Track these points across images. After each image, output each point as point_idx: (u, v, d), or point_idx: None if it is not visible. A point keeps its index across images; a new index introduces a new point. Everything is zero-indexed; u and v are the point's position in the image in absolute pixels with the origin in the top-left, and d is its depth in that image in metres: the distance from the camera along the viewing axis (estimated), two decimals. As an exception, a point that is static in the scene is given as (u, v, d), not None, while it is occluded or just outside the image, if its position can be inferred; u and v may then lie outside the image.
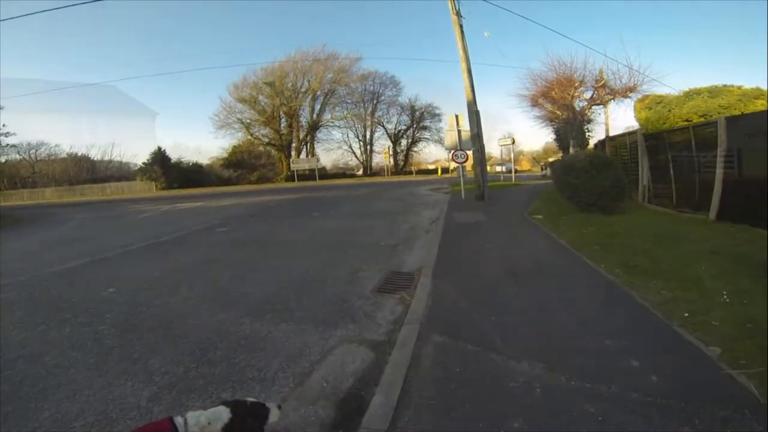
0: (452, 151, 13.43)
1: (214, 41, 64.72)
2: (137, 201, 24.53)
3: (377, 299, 4.19)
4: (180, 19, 66.95)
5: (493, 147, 35.91)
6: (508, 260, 5.35)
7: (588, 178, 7.63)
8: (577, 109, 11.71)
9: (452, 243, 6.70)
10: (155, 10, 66.16)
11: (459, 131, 13.37)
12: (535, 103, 12.64)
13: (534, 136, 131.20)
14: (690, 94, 16.60)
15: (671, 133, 8.45)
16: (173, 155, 47.37)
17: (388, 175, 48.17)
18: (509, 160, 27.60)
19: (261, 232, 9.24)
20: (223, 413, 1.59)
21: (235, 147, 49.14)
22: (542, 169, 32.57)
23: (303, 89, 49.42)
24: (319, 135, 54.38)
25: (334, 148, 55.49)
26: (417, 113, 55.97)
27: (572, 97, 11.66)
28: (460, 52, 12.66)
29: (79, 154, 48.82)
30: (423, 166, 56.53)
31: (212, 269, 5.77)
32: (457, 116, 13.47)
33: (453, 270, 5.06)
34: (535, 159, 65.76)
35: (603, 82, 10.91)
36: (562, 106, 11.79)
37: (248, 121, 48.89)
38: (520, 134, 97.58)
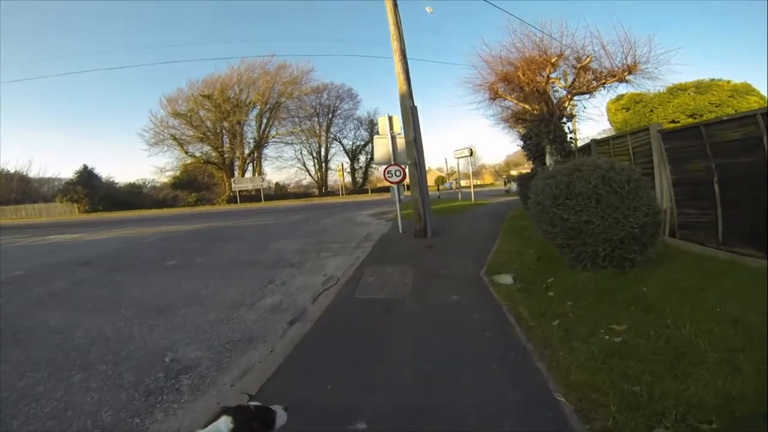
0: (384, 167, 9.56)
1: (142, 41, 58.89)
2: (18, 229, 18.83)
3: None
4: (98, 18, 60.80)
5: (453, 161, 32.78)
6: None
7: (603, 210, 3.89)
8: (554, 100, 8.28)
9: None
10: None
11: (393, 137, 9.56)
12: (494, 94, 9.01)
13: (496, 148, 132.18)
14: (674, 91, 13.87)
15: (718, 126, 4.96)
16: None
17: (342, 194, 44.12)
18: (468, 175, 24.47)
19: (32, 303, 4.80)
20: (223, 426, 1.35)
21: (186, 166, 44.19)
22: (505, 184, 29.60)
23: (248, 102, 44.87)
24: (269, 152, 49.82)
25: (287, 166, 50.99)
26: (377, 127, 52.50)
27: (547, 80, 8.23)
28: (392, 28, 8.94)
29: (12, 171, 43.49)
30: (385, 183, 53.07)
31: None
32: (391, 118, 9.67)
33: None
34: (497, 172, 64.17)
35: (589, 59, 7.54)
36: (532, 95, 8.28)
37: (184, 137, 43.49)
38: (482, 146, 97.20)
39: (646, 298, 3.62)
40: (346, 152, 52.42)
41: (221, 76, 43.88)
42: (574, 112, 8.51)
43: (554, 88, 8.29)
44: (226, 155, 44.73)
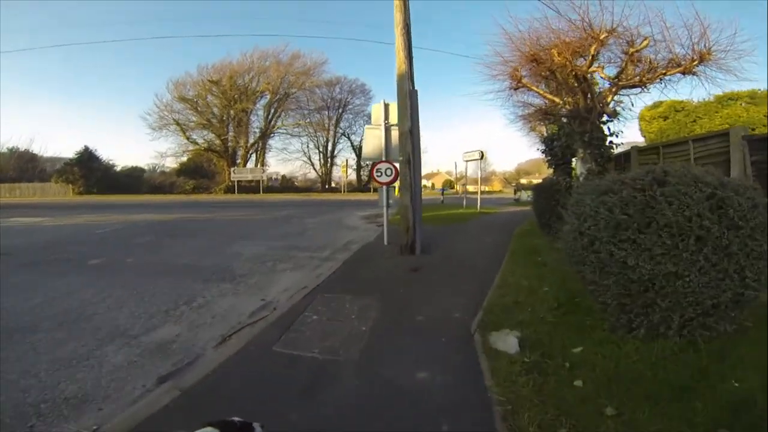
0: (373, 165, 7.89)
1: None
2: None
3: None
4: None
5: (463, 164, 31.05)
6: None
7: (707, 256, 2.17)
8: (595, 92, 6.40)
9: None
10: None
11: (388, 128, 7.89)
12: (517, 82, 6.95)
13: (508, 155, 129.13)
14: (723, 100, 12.00)
15: None
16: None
17: (344, 191, 42.51)
18: (476, 181, 22.65)
19: None
20: None
21: (193, 152, 43.36)
22: (515, 192, 27.67)
23: (257, 90, 43.46)
24: (274, 143, 48.50)
25: (292, 159, 49.52)
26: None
27: (591, 62, 6.42)
28: (393, -4, 7.28)
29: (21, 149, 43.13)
30: None
31: None
32: (387, 105, 7.97)
33: None
34: (507, 180, 62.05)
35: (646, 42, 5.69)
36: (567, 85, 6.43)
37: (188, 123, 42.23)
38: (493, 152, 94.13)
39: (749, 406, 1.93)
40: (354, 149, 50.81)
41: (232, 63, 42.63)
42: (616, 109, 6.69)
43: (594, 79, 6.45)
44: (229, 143, 43.37)
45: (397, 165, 7.34)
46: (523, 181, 60.73)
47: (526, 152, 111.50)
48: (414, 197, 6.78)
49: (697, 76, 6.25)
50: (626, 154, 6.58)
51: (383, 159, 7.75)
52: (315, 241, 9.01)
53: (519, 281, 4.79)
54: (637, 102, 7.12)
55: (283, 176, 49.43)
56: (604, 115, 6.10)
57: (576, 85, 6.10)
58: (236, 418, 1.51)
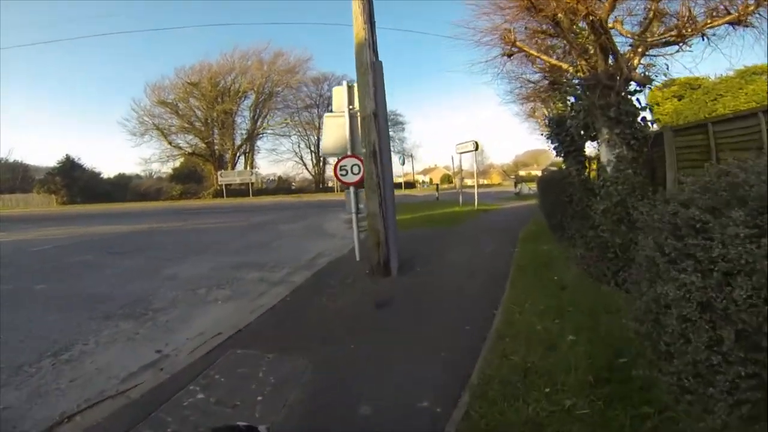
0: (336, 161, 6.33)
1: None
2: None
3: None
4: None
5: (463, 159, 29.70)
6: None
7: None
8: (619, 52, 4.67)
9: None
10: None
11: (353, 116, 6.30)
12: (510, 46, 5.00)
13: (505, 146, 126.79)
14: (747, 75, 10.43)
15: None
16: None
17: (337, 190, 40.93)
18: (474, 174, 20.99)
19: None
20: None
21: (181, 156, 42.22)
22: (516, 185, 26.02)
23: (240, 91, 41.80)
24: (264, 145, 46.94)
25: (283, 159, 47.83)
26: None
27: (610, 6, 4.31)
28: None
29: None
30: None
31: None
32: (351, 87, 6.39)
33: None
34: (505, 172, 60.35)
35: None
36: (577, 44, 4.68)
37: (168, 127, 40.59)
38: (490, 144, 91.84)
39: None
40: (346, 146, 49.10)
41: (211, 64, 40.94)
42: (650, 75, 5.02)
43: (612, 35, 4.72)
44: (215, 146, 41.73)
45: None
46: (522, 173, 59.03)
47: (524, 143, 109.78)
48: (384, 202, 5.23)
49: (748, 27, 4.68)
50: (655, 137, 5.01)
51: (349, 153, 6.20)
52: (278, 254, 7.50)
53: (530, 321, 3.25)
54: (673, 65, 5.44)
55: (279, 177, 47.94)
56: (631, 82, 4.51)
57: (593, 38, 4.48)
58: (241, 423, 1.49)
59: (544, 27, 5.29)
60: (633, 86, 4.72)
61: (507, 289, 4.28)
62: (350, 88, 6.38)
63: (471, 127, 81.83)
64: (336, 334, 3.40)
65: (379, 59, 5.57)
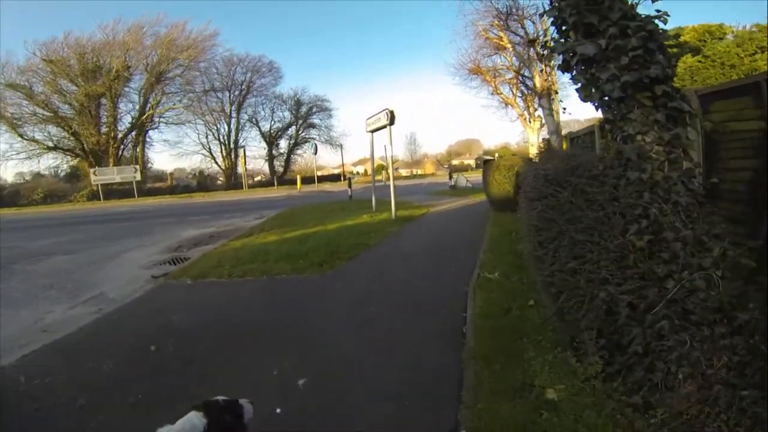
0: None
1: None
2: None
3: None
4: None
5: (397, 149, 25.75)
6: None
7: None
8: None
9: None
10: None
11: None
12: None
13: (439, 135, 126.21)
14: None
15: None
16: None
17: (246, 187, 35.01)
18: (406, 165, 16.83)
19: None
20: (196, 421, 1.33)
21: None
22: (450, 177, 22.64)
23: (116, 70, 33.46)
24: (166, 136, 39.05)
25: (189, 153, 40.03)
26: (303, 108, 43.75)
27: None
28: None
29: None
30: (310, 173, 43.59)
31: None
32: None
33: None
34: (439, 162, 58.33)
35: None
36: None
37: (21, 116, 31.32)
38: (424, 132, 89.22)
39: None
40: (263, 136, 43.02)
41: (81, 39, 32.25)
42: None
43: None
44: (90, 138, 33.19)
45: None
46: (455, 162, 57.46)
47: (456, 133, 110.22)
48: None
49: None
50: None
51: None
52: None
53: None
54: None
55: (201, 172, 40.87)
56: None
57: None
58: (220, 397, 1.48)
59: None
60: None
61: None
62: None
63: (407, 113, 79.30)
64: None
65: None
